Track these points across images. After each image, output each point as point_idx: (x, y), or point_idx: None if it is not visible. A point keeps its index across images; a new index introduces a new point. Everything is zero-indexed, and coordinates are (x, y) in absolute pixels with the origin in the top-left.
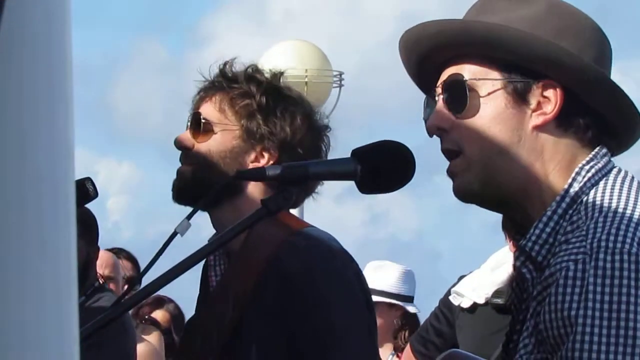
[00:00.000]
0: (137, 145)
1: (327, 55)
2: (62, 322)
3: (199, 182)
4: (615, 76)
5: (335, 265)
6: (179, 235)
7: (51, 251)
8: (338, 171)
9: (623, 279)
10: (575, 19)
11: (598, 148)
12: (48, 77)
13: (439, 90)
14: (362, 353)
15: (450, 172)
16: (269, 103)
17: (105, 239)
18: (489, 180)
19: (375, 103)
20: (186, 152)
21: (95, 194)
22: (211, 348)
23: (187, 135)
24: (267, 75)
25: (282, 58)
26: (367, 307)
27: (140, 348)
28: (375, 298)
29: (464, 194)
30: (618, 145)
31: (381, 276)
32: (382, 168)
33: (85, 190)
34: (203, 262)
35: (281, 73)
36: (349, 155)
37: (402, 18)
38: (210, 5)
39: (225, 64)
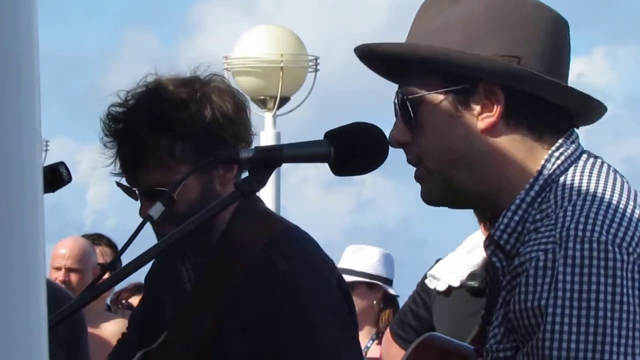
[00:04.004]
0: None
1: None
2: (30, 304)
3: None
4: (604, 62)
5: (317, 269)
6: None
7: (19, 234)
8: (311, 153)
9: (592, 267)
10: (513, 7)
11: (568, 133)
12: (16, 65)
13: (395, 104)
14: (342, 355)
15: (416, 178)
16: (195, 119)
17: (89, 227)
18: (449, 188)
19: (368, 90)
20: (161, 218)
21: (69, 179)
22: (191, 347)
23: (149, 207)
24: (160, 91)
25: (257, 43)
26: (348, 310)
27: (111, 326)
28: (354, 279)
29: (428, 200)
30: (583, 121)
31: (361, 258)
32: (355, 150)
33: (59, 175)
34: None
35: (158, 79)
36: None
37: (396, 6)
38: None
39: (125, 120)
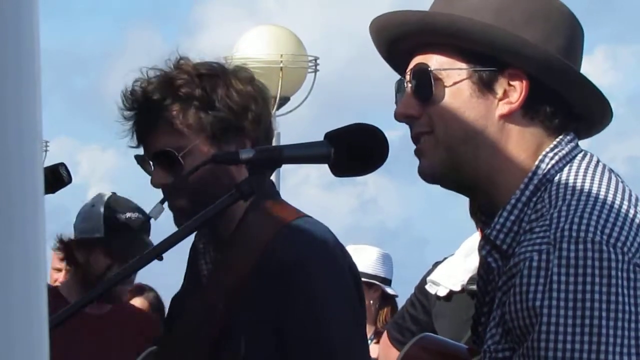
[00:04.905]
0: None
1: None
2: (30, 306)
3: (202, 206)
4: (606, 62)
5: (330, 259)
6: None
7: (19, 237)
8: (312, 154)
9: (587, 267)
10: (544, 3)
11: (563, 135)
12: (16, 64)
13: (407, 77)
14: (351, 349)
15: (418, 151)
16: (208, 92)
17: None
18: (453, 164)
19: (367, 91)
20: (170, 187)
21: (69, 179)
22: (202, 339)
23: (161, 175)
24: (178, 67)
25: (257, 43)
26: (359, 301)
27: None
28: None
29: (429, 174)
30: (588, 129)
31: (360, 258)
32: (355, 151)
33: (59, 176)
34: (190, 250)
35: (182, 57)
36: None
37: (398, 5)
38: None
39: (141, 89)
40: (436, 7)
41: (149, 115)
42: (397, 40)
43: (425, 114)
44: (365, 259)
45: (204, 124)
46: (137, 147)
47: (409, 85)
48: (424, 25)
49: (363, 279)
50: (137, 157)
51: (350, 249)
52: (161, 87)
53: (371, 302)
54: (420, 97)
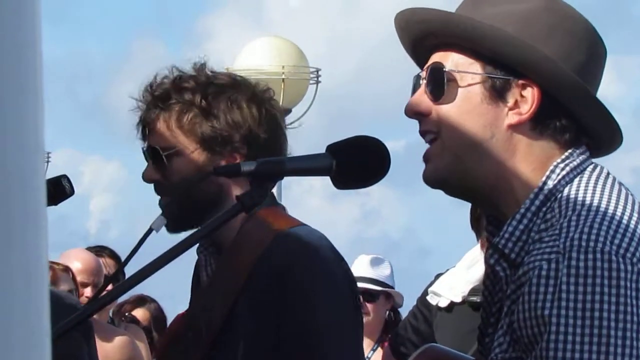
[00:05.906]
0: (128, 143)
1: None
2: (31, 319)
3: (189, 209)
4: (611, 73)
5: (323, 263)
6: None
7: (21, 250)
8: (313, 167)
9: (596, 277)
10: (569, 19)
11: (574, 147)
12: (18, 75)
13: (423, 74)
14: (345, 353)
15: (426, 155)
16: (210, 102)
17: (94, 237)
18: (458, 169)
19: (369, 103)
20: (158, 184)
21: (72, 191)
22: (200, 341)
23: (151, 171)
24: (194, 73)
25: (259, 54)
26: (354, 307)
27: (114, 342)
28: (377, 288)
29: (433, 179)
30: (598, 147)
31: (379, 268)
32: (357, 163)
33: (62, 188)
34: (194, 263)
35: (203, 64)
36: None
37: None
38: (209, 3)
39: (152, 85)
40: (463, 10)
41: (152, 111)
42: (420, 37)
43: (434, 112)
44: (384, 269)
45: (197, 130)
46: (143, 140)
47: (424, 82)
48: (446, 25)
49: (383, 288)
50: (143, 150)
51: (368, 258)
52: (169, 88)
53: (387, 311)
54: (432, 95)
